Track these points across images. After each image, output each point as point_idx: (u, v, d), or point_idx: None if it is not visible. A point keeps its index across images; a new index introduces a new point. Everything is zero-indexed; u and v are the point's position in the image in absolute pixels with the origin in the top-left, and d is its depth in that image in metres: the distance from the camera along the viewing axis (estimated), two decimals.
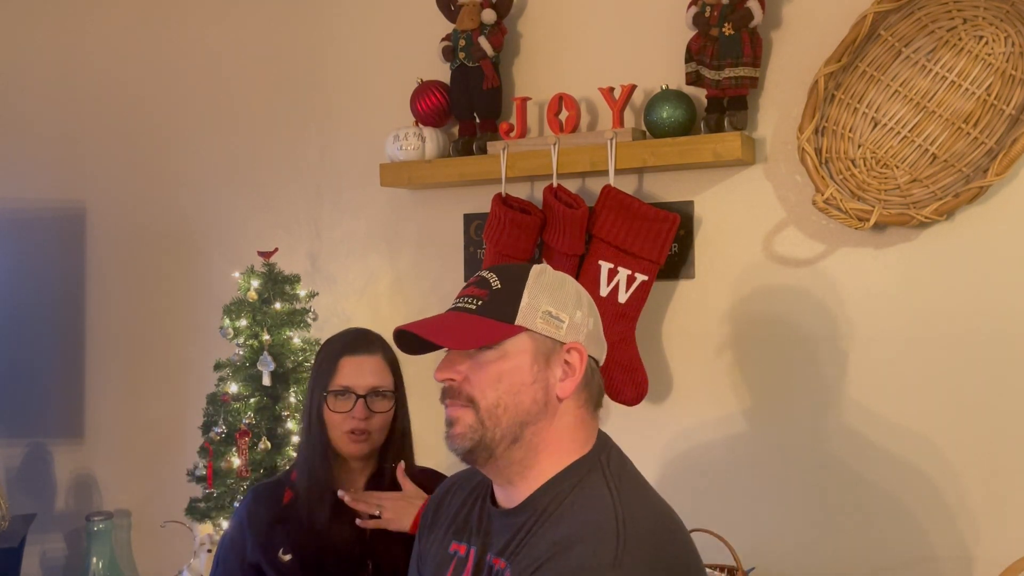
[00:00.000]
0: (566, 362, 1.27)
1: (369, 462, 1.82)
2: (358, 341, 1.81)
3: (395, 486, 1.80)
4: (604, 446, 1.32)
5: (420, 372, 2.59)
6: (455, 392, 1.27)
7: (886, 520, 2.04)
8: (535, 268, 1.30)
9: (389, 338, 1.84)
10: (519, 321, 1.24)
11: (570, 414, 1.28)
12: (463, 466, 1.35)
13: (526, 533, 1.24)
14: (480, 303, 1.26)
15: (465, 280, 2.52)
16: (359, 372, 1.76)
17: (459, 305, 1.28)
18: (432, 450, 1.91)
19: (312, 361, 2.41)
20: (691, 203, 2.23)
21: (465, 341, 1.25)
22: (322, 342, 1.87)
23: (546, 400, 1.26)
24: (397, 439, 1.82)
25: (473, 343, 1.25)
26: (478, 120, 2.42)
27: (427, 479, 1.91)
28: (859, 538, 2.07)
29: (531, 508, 1.26)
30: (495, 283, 1.28)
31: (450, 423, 1.27)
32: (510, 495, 1.30)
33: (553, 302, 1.27)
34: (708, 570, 1.89)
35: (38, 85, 3.28)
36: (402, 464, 1.73)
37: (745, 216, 2.18)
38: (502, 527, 1.29)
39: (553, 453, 1.27)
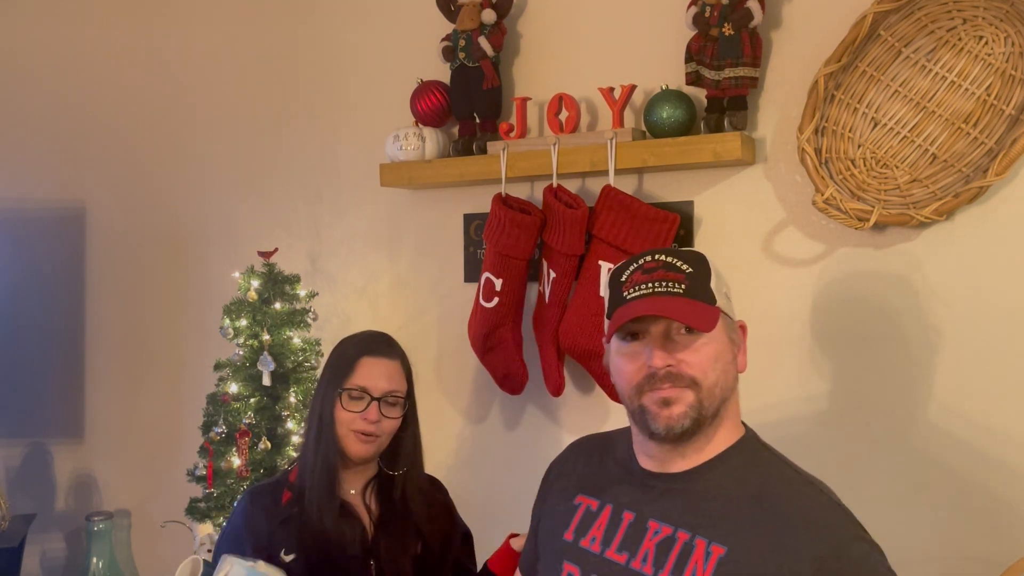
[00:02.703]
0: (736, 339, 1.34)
1: (370, 465, 1.81)
2: (379, 343, 1.78)
3: (404, 497, 1.79)
4: (747, 426, 1.39)
5: (422, 373, 2.60)
6: (676, 376, 1.27)
7: (889, 519, 2.04)
8: (700, 250, 1.37)
9: (403, 342, 1.84)
10: (718, 303, 1.29)
11: (738, 389, 1.36)
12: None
13: (708, 502, 1.28)
14: (684, 287, 1.27)
15: (466, 279, 2.53)
16: (376, 374, 1.73)
17: (664, 289, 1.28)
18: (430, 452, 1.92)
19: (313, 361, 2.43)
20: (691, 203, 2.23)
21: (707, 323, 1.26)
22: (339, 341, 1.83)
23: (735, 375, 1.34)
24: (408, 446, 1.80)
25: (711, 325, 1.26)
26: (478, 120, 2.42)
27: (431, 487, 1.90)
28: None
29: (705, 478, 1.30)
30: (684, 266, 1.30)
31: (667, 403, 1.27)
32: (670, 463, 1.33)
33: (726, 284, 1.34)
34: None
35: (38, 86, 3.29)
36: None
37: (745, 216, 2.18)
38: (664, 491, 1.32)
39: (727, 426, 1.34)
